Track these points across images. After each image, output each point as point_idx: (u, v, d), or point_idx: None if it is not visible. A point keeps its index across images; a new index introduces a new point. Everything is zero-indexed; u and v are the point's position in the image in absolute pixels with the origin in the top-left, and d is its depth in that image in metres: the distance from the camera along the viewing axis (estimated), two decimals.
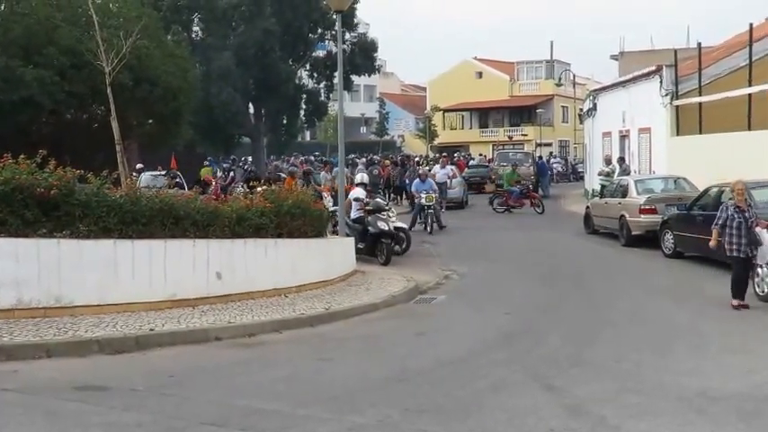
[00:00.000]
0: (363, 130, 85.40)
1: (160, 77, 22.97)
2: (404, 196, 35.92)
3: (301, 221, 14.12)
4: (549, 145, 67.00)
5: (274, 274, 13.34)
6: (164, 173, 29.84)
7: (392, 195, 35.81)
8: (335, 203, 19.21)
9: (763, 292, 12.60)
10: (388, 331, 11.54)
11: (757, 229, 12.40)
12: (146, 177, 27.86)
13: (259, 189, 16.33)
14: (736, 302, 12.24)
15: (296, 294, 13.42)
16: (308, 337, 10.90)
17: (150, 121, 25.04)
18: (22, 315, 10.52)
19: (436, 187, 25.55)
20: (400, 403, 7.63)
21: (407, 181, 35.06)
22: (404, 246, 19.12)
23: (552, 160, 58.01)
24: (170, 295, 11.79)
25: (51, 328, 10.07)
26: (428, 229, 24.01)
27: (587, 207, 24.62)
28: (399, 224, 19.38)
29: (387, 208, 19.45)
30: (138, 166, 30.26)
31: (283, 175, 27.43)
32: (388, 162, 40.88)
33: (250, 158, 49.40)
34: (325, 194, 21.24)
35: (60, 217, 11.00)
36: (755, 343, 10.12)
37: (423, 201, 24.25)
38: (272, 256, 13.42)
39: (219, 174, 39.13)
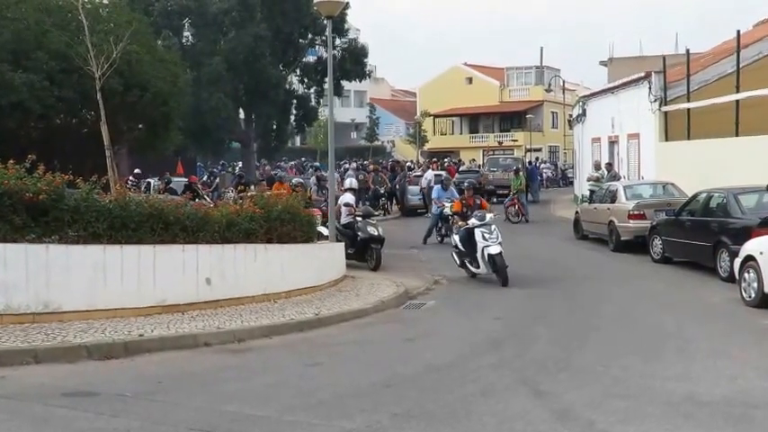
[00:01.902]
0: (354, 135, 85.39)
1: (150, 82, 22.92)
2: (393, 202, 35.74)
3: (291, 227, 14.13)
4: (539, 150, 67.17)
5: (264, 280, 13.34)
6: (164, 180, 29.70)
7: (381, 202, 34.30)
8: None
9: (750, 296, 12.65)
10: (377, 337, 11.56)
11: None
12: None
13: (249, 194, 16.32)
14: None
15: (285, 300, 13.42)
16: (298, 343, 10.90)
17: (140, 126, 25.00)
18: (11, 320, 10.49)
19: (458, 195, 23.20)
20: (389, 408, 7.64)
21: (397, 186, 35.05)
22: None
23: (543, 165, 58.14)
24: (159, 301, 11.77)
25: (40, 334, 10.04)
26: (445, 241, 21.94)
27: (576, 212, 24.72)
28: (497, 249, 15.74)
29: (375, 214, 19.44)
30: (136, 171, 30.16)
31: (301, 181, 27.05)
32: (374, 166, 40.52)
33: (240, 163, 49.39)
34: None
35: (49, 222, 10.98)
36: (742, 348, 10.15)
37: (447, 210, 21.30)
38: (262, 262, 13.41)
39: (205, 178, 39.06)
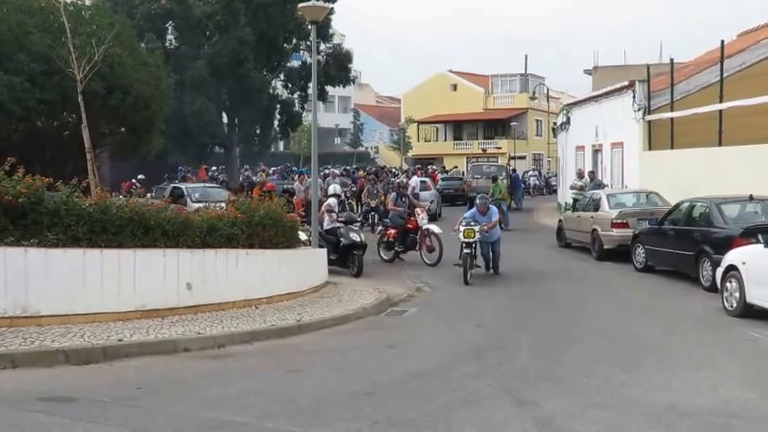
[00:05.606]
0: (338, 141, 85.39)
1: (133, 86, 22.84)
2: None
3: (273, 232, 14.06)
4: (523, 158, 67.31)
5: (245, 285, 13.26)
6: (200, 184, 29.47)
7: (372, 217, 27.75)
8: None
9: (732, 306, 12.66)
10: (358, 343, 11.50)
11: None
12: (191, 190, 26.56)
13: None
14: None
15: (267, 306, 13.35)
16: (278, 349, 10.83)
17: (122, 129, 24.89)
18: None
19: (497, 217, 18.90)
20: (369, 416, 7.58)
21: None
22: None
23: (531, 173, 58.25)
24: (139, 305, 11.66)
25: (17, 338, 9.93)
26: (467, 276, 16.93)
27: (560, 221, 24.72)
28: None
29: (358, 220, 19.33)
30: (140, 176, 30.03)
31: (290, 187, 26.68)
32: (362, 173, 40.16)
33: (223, 167, 49.30)
34: (419, 212, 20.51)
35: (28, 225, 10.85)
36: (723, 358, 10.16)
37: (460, 236, 17.34)
38: (243, 267, 13.33)
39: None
